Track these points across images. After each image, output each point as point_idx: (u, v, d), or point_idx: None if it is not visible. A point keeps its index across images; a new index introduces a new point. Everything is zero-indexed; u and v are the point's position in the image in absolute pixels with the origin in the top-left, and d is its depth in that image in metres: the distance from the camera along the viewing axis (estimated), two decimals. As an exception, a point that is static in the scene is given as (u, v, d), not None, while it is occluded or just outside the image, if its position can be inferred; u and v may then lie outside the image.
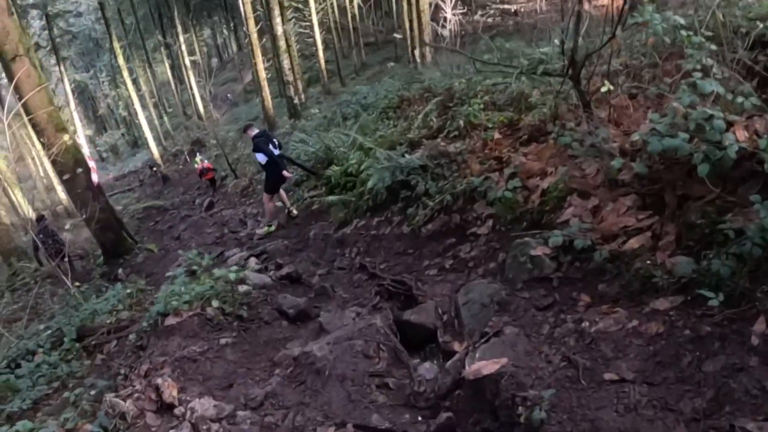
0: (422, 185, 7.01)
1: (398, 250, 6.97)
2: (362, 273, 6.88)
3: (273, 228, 10.25)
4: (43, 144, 11.35)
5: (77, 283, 9.24)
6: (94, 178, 10.44)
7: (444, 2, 18.72)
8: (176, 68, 50.54)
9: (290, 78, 23.21)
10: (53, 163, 11.11)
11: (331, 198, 8.75)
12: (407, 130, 8.78)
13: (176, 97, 51.23)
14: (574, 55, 5.17)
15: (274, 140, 10.37)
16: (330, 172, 9.87)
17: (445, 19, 19.47)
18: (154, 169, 29.16)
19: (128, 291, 8.23)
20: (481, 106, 7.60)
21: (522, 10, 30.29)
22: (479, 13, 29.80)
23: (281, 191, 10.62)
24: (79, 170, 11.60)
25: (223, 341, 5.37)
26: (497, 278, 5.04)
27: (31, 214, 25.22)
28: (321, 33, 34.14)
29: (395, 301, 5.80)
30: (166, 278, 9.32)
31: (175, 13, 39.61)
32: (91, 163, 11.38)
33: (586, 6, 11.32)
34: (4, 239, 16.94)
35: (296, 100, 23.58)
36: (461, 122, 7.54)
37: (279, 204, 10.73)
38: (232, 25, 54.24)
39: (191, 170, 27.24)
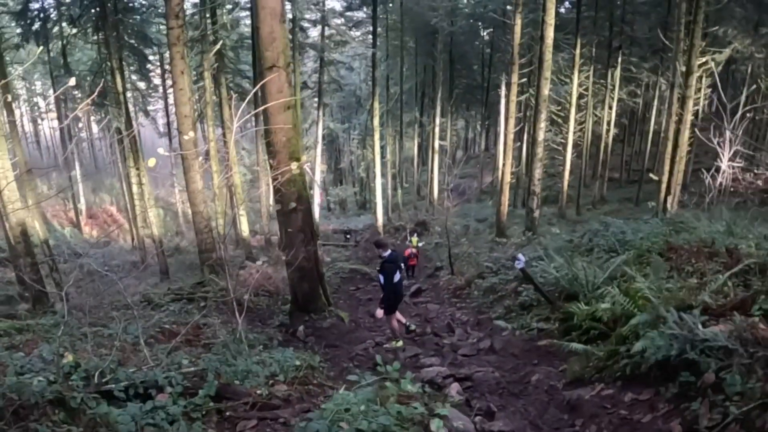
0: (715, 374, 4.78)
1: (661, 452, 4.74)
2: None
3: (401, 343, 9.12)
4: (271, 166, 10.29)
5: (250, 328, 7.93)
6: (317, 199, 8.93)
7: (722, 149, 16.10)
8: (422, 149, 51.34)
9: (537, 189, 21.42)
10: (275, 191, 9.99)
11: (574, 345, 6.60)
12: (697, 290, 6.54)
13: (415, 176, 51.79)
14: None
15: (402, 266, 9.90)
16: (574, 309, 7.81)
17: (717, 169, 16.89)
18: (348, 236, 28.54)
19: (297, 363, 6.75)
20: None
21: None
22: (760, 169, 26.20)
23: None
24: (300, 207, 10.48)
25: None
26: None
27: (246, 234, 25.83)
28: (572, 155, 32.35)
29: None
30: (345, 369, 7.80)
31: (438, 96, 39.83)
32: (317, 189, 9.86)
33: None
34: (209, 245, 16.65)
35: (536, 214, 21.74)
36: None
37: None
38: (486, 123, 54.09)
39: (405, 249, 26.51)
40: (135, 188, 27.05)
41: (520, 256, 8.50)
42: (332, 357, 8.62)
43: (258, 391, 5.73)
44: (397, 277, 9.14)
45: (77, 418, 4.56)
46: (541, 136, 20.95)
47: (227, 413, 5.36)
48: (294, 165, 7.63)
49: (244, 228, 26.29)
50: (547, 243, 12.89)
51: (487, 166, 47.94)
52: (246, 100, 26.56)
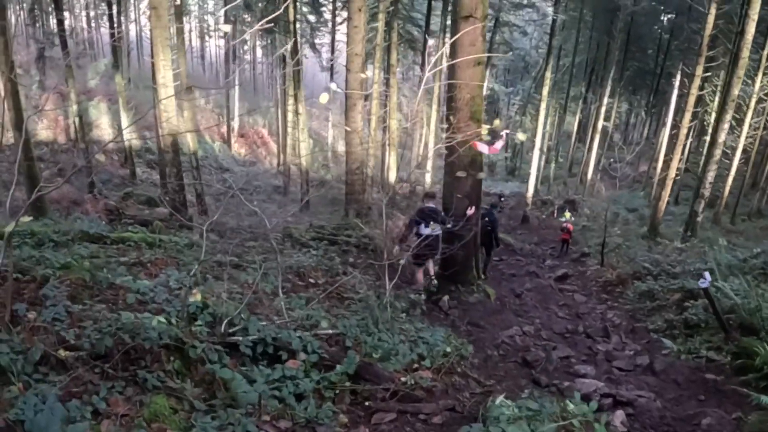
0: None
1: None
2: None
3: (423, 297, 8.67)
4: (449, 124, 9.31)
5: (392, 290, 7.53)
6: (498, 145, 8.15)
7: None
8: (582, 126, 49.06)
9: (706, 193, 19.51)
10: (448, 151, 9.30)
11: (763, 398, 5.67)
12: None
13: (570, 152, 49.69)
14: None
15: (431, 221, 9.57)
16: (757, 347, 6.82)
17: None
18: (503, 198, 27.33)
19: (447, 349, 6.22)
20: None
21: None
22: None
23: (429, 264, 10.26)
24: (471, 172, 9.68)
25: None
26: None
27: (393, 180, 25.55)
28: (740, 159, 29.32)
29: None
30: (489, 358, 7.26)
31: (610, 75, 37.45)
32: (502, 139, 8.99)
33: None
34: (358, 187, 16.38)
35: (699, 218, 19.89)
36: None
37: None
38: (652, 111, 50.58)
39: (550, 225, 25.42)
40: (290, 116, 27.38)
41: (706, 274, 7.52)
42: (476, 339, 8.03)
43: (402, 379, 5.23)
44: (424, 230, 9.29)
45: (193, 370, 4.18)
46: (722, 137, 18.92)
47: (364, 400, 4.85)
48: (485, 129, 6.83)
49: (393, 174, 26.09)
50: (716, 256, 11.53)
51: (644, 155, 44.97)
52: (425, 50, 26.14)
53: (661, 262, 13.01)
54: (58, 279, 4.87)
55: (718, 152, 19.08)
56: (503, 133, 6.34)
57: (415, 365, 5.72)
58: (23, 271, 4.94)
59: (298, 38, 31.76)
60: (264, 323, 5.25)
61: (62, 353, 3.63)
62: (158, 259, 7.30)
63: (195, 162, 17.14)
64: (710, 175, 19.20)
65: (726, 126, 19.10)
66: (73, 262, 5.51)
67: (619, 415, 5.36)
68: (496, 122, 6.45)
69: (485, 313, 9.60)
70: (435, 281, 10.28)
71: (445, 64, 10.10)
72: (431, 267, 10.59)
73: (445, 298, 9.80)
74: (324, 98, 5.70)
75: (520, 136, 6.99)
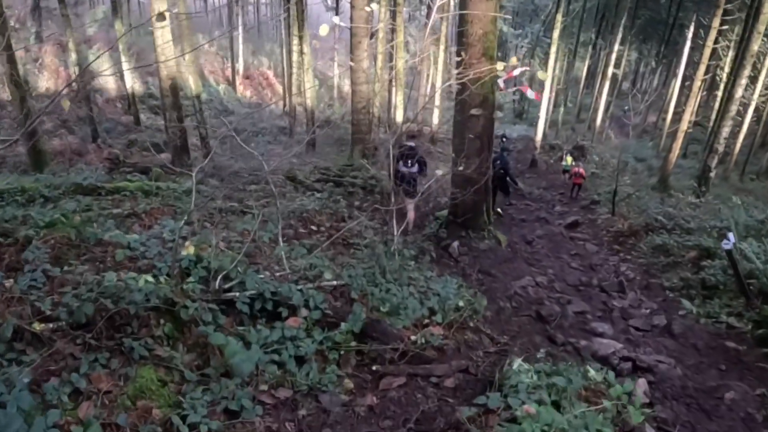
0: None
1: None
2: None
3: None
4: (460, 59, 8.76)
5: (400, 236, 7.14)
6: (531, 94, 7.44)
7: None
8: (590, 72, 48.04)
9: (720, 148, 18.95)
10: (460, 88, 8.70)
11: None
12: None
13: (578, 98, 48.72)
14: None
15: (410, 160, 9.87)
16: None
17: None
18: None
19: (460, 303, 5.83)
20: None
21: None
22: None
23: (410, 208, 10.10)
24: (484, 112, 9.29)
25: None
26: None
27: (400, 120, 25.03)
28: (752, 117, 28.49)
29: None
30: (502, 310, 6.87)
31: (622, 22, 36.17)
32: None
33: None
34: (364, 127, 15.98)
35: (712, 174, 19.29)
36: None
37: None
38: (663, 60, 49.16)
39: (558, 170, 24.88)
40: (295, 56, 26.61)
41: (730, 235, 7.09)
42: (488, 289, 7.68)
43: (412, 337, 4.87)
44: (402, 167, 9.80)
45: (186, 333, 3.80)
46: (739, 92, 18.24)
47: (371, 362, 4.47)
48: (500, 65, 6.13)
49: (399, 114, 25.50)
50: (734, 215, 11.04)
51: (653, 105, 44.07)
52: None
53: (675, 216, 12.54)
54: (42, 239, 4.50)
55: (733, 108, 18.41)
56: (518, 70, 5.73)
57: (426, 320, 5.36)
58: (6, 234, 4.54)
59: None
60: (262, 276, 4.84)
61: (37, 326, 3.26)
62: (154, 209, 6.94)
63: (198, 105, 16.63)
64: (725, 131, 18.60)
65: (743, 82, 18.37)
66: (61, 219, 5.12)
67: (642, 384, 4.98)
68: (513, 59, 5.87)
69: (496, 260, 9.27)
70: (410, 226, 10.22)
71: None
72: (411, 213, 10.42)
73: (455, 243, 9.47)
74: (324, 30, 5.20)
75: (541, 75, 6.41)
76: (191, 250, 4.62)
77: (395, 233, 6.66)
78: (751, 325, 6.81)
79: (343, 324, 4.57)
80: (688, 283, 8.62)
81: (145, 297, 3.69)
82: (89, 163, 15.06)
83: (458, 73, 7.70)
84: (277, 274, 5.27)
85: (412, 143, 10.49)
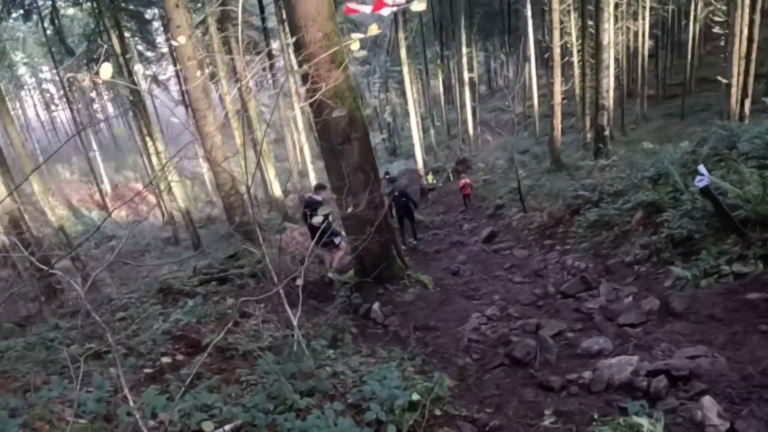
0: None
1: None
2: None
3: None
4: (305, 77, 6.75)
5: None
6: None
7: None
8: (447, 86, 48.44)
9: (606, 103, 17.79)
10: (314, 114, 7.13)
11: None
12: None
13: (443, 115, 48.79)
14: None
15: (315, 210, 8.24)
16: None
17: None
18: (388, 175, 25.48)
19: (414, 398, 3.74)
20: None
21: None
22: None
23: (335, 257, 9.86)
24: (353, 135, 7.42)
25: None
26: None
27: (279, 195, 23.32)
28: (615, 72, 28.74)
29: None
30: (463, 369, 4.98)
31: (461, 24, 36.16)
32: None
33: None
34: (237, 207, 14.41)
35: (607, 132, 18.22)
36: None
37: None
38: (510, 49, 50.11)
39: (450, 190, 24.04)
40: (154, 159, 24.53)
41: (701, 169, 5.68)
42: (434, 349, 5.82)
43: None
44: (314, 219, 8.31)
45: None
46: (606, 39, 17.30)
47: None
48: (355, 38, 4.01)
49: (276, 188, 23.74)
50: (667, 156, 9.75)
51: (517, 96, 44.77)
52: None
53: (596, 185, 11.26)
54: None
55: (605, 55, 17.44)
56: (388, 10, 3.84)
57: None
58: None
59: (142, 81, 28.72)
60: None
61: None
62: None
63: (65, 238, 14.30)
64: (605, 82, 17.53)
65: (607, 26, 17.53)
66: None
67: (709, 405, 3.31)
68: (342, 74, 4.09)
69: (430, 309, 7.43)
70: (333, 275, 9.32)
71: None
72: (336, 258, 9.84)
73: (376, 305, 7.52)
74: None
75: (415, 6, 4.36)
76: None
77: (294, 321, 4.65)
78: (761, 263, 5.40)
79: None
80: (655, 250, 7.16)
81: None
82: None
83: (308, 92, 5.93)
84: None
85: (317, 196, 9.75)
